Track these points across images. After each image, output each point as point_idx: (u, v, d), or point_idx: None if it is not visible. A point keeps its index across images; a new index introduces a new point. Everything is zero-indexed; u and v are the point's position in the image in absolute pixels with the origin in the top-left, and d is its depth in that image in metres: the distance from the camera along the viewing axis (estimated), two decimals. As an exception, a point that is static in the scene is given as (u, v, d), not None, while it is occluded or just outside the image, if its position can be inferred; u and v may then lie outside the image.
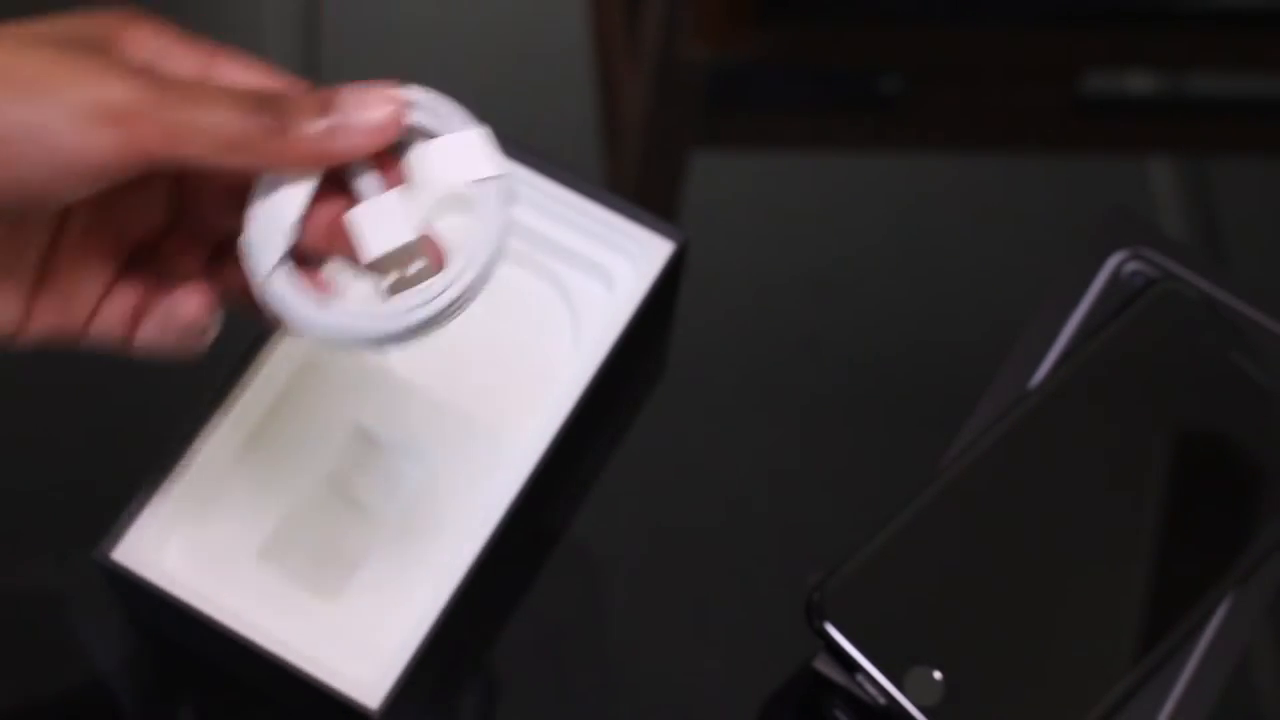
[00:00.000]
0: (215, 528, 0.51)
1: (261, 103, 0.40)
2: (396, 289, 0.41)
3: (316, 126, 0.40)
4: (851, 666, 0.48)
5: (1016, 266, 0.63)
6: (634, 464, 0.58)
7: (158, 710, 0.55)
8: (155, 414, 0.56)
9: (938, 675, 0.47)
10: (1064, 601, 0.49)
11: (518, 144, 0.56)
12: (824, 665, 0.49)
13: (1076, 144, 0.67)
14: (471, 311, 0.41)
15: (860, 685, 0.48)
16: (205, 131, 0.39)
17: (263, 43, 0.65)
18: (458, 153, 0.41)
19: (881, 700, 0.47)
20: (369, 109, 0.41)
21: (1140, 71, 0.70)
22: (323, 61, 0.66)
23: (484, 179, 0.41)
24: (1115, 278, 0.55)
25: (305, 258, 0.43)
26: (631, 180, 0.66)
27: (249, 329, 0.53)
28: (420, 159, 0.42)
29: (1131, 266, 0.55)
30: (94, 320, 0.43)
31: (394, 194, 0.42)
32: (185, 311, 0.43)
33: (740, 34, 0.69)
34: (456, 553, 0.50)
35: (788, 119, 0.68)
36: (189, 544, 0.51)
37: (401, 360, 0.54)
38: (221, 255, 0.44)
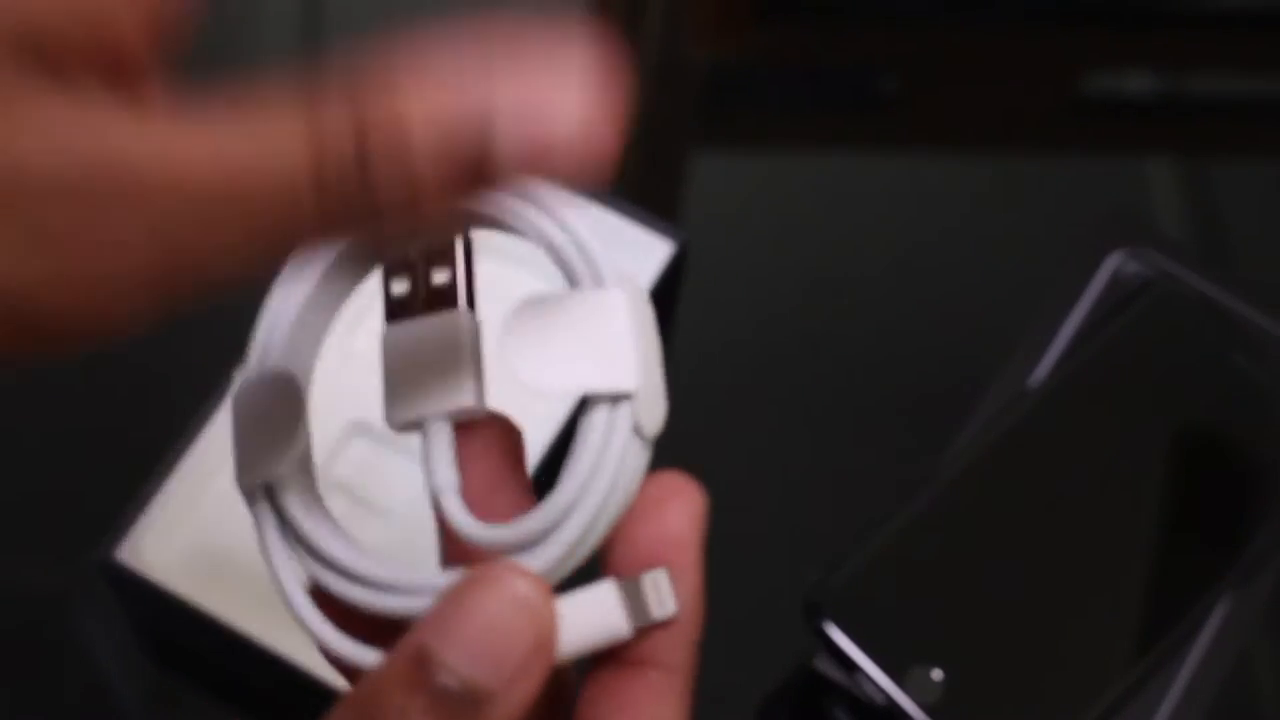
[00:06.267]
0: (216, 528, 0.51)
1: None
2: None
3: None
4: (851, 666, 0.48)
5: (1016, 266, 0.63)
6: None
7: (158, 710, 0.55)
8: (155, 414, 0.56)
9: (938, 675, 0.47)
10: (1063, 601, 0.49)
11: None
12: (824, 665, 0.49)
13: (1076, 144, 0.67)
14: None
15: (860, 685, 0.48)
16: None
17: (263, 46, 0.65)
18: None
19: (881, 700, 0.47)
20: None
21: (1140, 71, 0.70)
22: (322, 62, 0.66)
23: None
24: (1115, 278, 0.55)
25: None
26: (631, 180, 0.66)
27: (248, 327, 0.53)
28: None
29: (1131, 266, 0.55)
30: None
31: None
32: None
33: (740, 34, 0.69)
34: (457, 553, 0.50)
35: (788, 119, 0.68)
36: (189, 544, 0.51)
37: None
38: None
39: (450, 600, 0.27)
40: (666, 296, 0.57)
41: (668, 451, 0.59)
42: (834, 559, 0.49)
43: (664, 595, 0.29)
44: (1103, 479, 0.51)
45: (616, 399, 0.29)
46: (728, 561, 0.57)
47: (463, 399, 0.30)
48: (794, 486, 0.59)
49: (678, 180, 0.66)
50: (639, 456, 0.29)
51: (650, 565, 0.29)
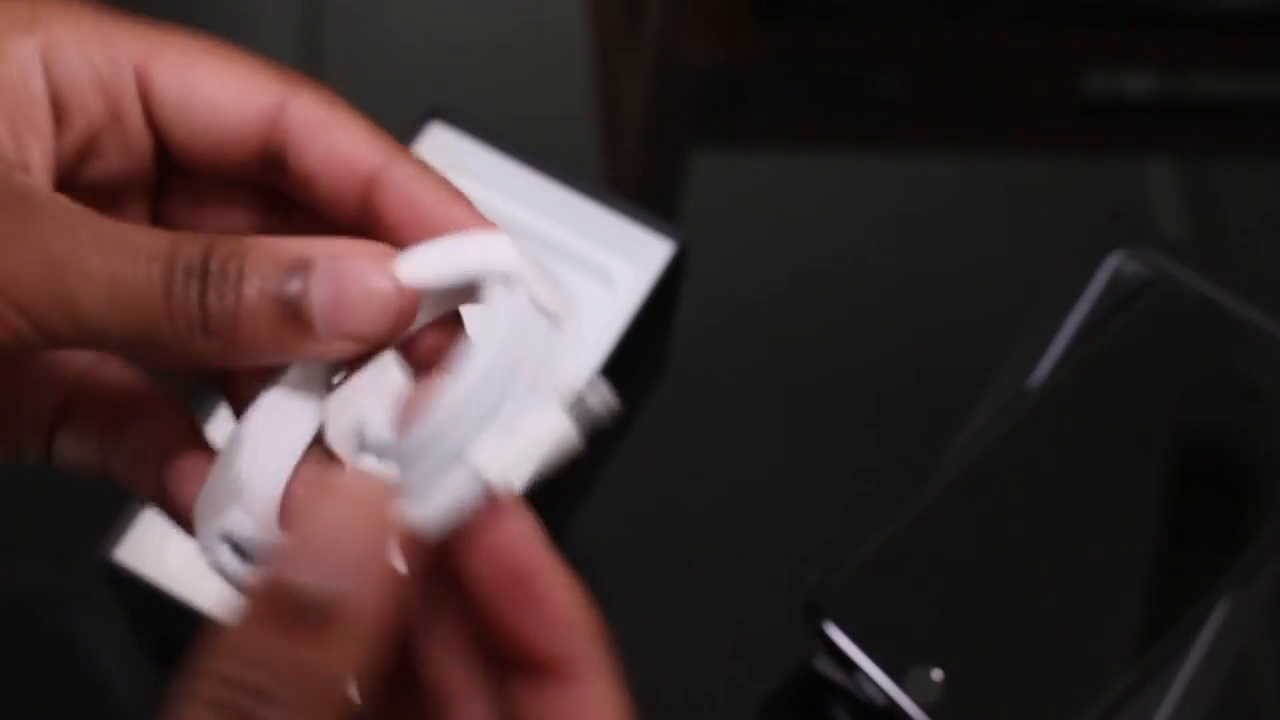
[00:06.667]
0: (215, 528, 0.51)
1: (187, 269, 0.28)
2: None
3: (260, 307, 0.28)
4: (851, 666, 0.48)
5: (1016, 266, 0.63)
6: (634, 464, 0.58)
7: (158, 710, 0.55)
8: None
9: (937, 675, 0.47)
10: (1063, 601, 0.49)
11: (518, 144, 0.56)
12: (824, 665, 0.49)
13: (1076, 144, 0.67)
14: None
15: (860, 685, 0.48)
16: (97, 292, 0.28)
17: (263, 47, 0.66)
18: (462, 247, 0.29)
19: (881, 700, 0.47)
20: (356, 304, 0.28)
21: (1140, 71, 0.70)
22: (325, 65, 0.66)
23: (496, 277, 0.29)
24: (1114, 278, 0.55)
25: None
26: (631, 180, 0.66)
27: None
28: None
29: (1130, 266, 0.55)
30: None
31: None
32: None
33: (740, 34, 0.69)
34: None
35: (787, 119, 0.68)
36: (189, 544, 0.51)
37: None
38: None
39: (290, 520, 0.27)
40: (666, 296, 0.57)
41: (669, 451, 0.59)
42: (834, 559, 0.49)
43: (603, 394, 0.29)
44: (1102, 479, 0.51)
45: (507, 280, 0.29)
46: (728, 561, 0.57)
47: (392, 381, 0.30)
48: (794, 486, 0.59)
49: (678, 180, 0.66)
50: (549, 331, 0.29)
51: (516, 577, 0.29)
